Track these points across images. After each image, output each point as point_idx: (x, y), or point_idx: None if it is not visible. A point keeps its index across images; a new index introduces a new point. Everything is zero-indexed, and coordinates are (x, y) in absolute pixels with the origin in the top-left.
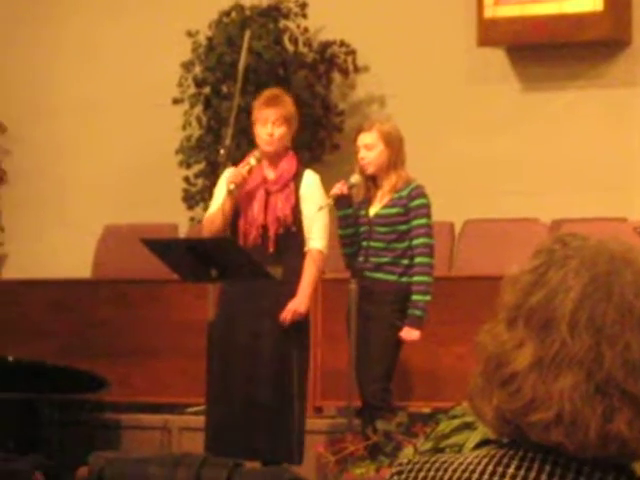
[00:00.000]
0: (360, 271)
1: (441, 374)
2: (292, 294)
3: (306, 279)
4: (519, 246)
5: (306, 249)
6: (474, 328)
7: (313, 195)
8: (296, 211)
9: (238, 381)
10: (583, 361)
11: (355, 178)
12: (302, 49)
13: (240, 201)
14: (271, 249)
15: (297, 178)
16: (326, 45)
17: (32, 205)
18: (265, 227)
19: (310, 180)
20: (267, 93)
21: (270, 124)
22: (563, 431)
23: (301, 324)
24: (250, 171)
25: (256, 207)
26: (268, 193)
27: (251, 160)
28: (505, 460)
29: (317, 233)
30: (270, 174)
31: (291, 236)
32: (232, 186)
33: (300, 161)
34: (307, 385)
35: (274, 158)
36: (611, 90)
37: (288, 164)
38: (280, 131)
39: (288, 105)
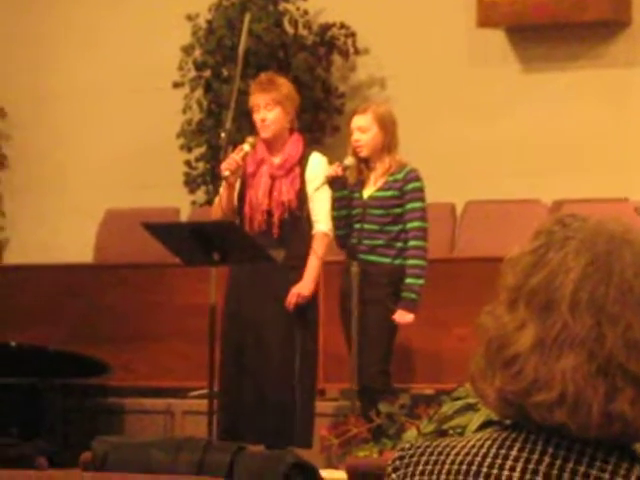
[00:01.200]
0: (353, 253)
1: (443, 356)
2: (298, 279)
3: (311, 263)
4: (520, 227)
5: (313, 232)
6: (476, 309)
7: (318, 178)
8: (301, 195)
9: (247, 367)
10: (585, 342)
11: (349, 160)
12: (302, 32)
13: (246, 187)
14: (276, 234)
15: (303, 161)
16: (326, 27)
17: (33, 190)
18: (270, 212)
19: (316, 162)
20: (259, 78)
21: (262, 109)
22: (566, 411)
23: (306, 307)
24: (244, 157)
25: (260, 192)
26: (273, 178)
27: (245, 146)
28: (508, 442)
29: (322, 215)
30: (276, 159)
31: (296, 221)
32: (227, 173)
33: (306, 144)
34: (316, 368)
35: (277, 142)
36: (611, 70)
37: (294, 148)
38: (272, 115)
39: (281, 87)
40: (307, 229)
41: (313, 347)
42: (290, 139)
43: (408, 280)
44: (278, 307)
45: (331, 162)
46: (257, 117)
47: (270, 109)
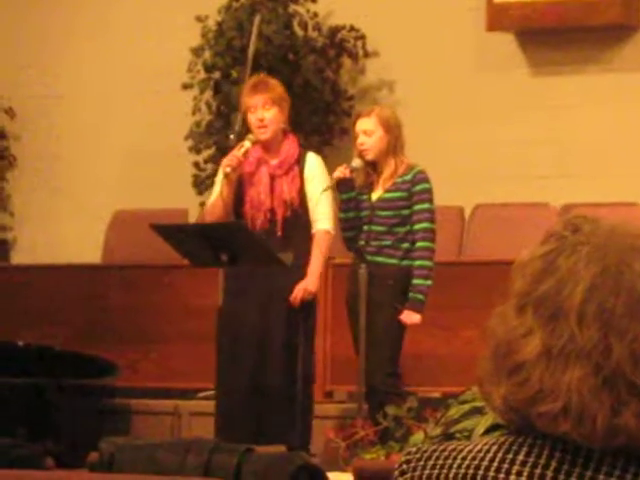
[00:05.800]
0: (361, 255)
1: (451, 359)
2: (301, 276)
3: (315, 260)
4: (529, 231)
5: (313, 231)
6: (484, 313)
7: (317, 177)
8: (301, 194)
9: (246, 366)
10: (591, 354)
11: (357, 162)
12: (312, 34)
13: (244, 187)
14: (279, 233)
15: (300, 161)
16: (336, 30)
17: (41, 190)
18: (272, 211)
19: (313, 162)
20: (253, 80)
21: (260, 109)
22: (570, 423)
23: (308, 307)
24: (246, 154)
25: (262, 192)
26: (272, 178)
27: (246, 143)
28: (514, 447)
29: (323, 214)
30: (273, 159)
31: (298, 219)
32: (228, 169)
33: (301, 144)
34: (314, 369)
35: (274, 143)
36: (621, 75)
37: (290, 147)
38: (270, 114)
39: (276, 88)
40: (308, 227)
41: (312, 347)
42: (286, 140)
43: (415, 281)
44: (280, 305)
45: (338, 163)
46: (254, 117)
47: (268, 109)
